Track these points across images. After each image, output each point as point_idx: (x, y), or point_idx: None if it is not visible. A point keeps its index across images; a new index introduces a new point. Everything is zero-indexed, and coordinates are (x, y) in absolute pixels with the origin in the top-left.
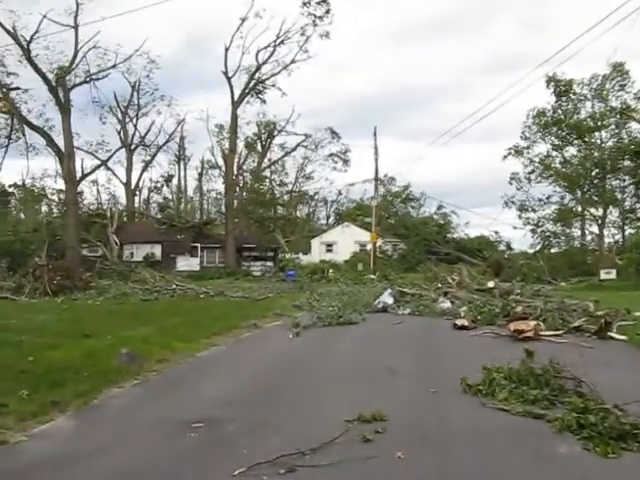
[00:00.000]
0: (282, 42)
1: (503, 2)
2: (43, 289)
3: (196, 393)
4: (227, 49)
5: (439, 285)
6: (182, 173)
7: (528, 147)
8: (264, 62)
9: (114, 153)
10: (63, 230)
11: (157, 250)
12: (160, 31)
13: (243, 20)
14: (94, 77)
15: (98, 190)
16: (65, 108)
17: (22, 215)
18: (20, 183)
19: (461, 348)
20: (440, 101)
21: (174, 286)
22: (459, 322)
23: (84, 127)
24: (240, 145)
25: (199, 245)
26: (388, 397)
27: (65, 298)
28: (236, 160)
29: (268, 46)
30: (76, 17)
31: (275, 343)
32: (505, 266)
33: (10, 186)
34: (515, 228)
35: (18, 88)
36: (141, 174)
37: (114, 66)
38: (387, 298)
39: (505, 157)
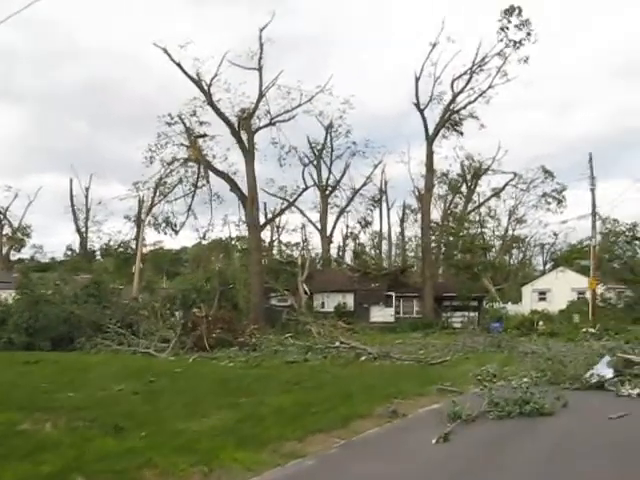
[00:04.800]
0: (480, 68)
1: None
2: (195, 343)
3: None
4: (418, 79)
5: None
6: (382, 219)
7: None
8: (460, 91)
9: (300, 194)
10: (242, 279)
11: (349, 299)
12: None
13: (434, 45)
14: (279, 119)
15: (305, 237)
16: (249, 152)
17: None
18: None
19: None
20: None
21: (337, 343)
22: None
23: (273, 171)
24: (444, 188)
25: (394, 294)
26: None
27: (197, 357)
28: (440, 204)
29: (464, 74)
30: (260, 59)
31: (400, 457)
32: None
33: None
34: None
35: (205, 135)
36: (336, 220)
37: (299, 106)
38: (604, 369)
39: None
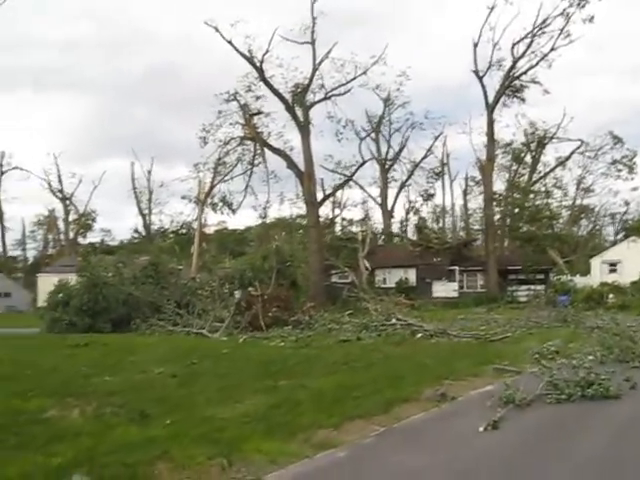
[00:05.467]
0: (542, 30)
1: None
2: (250, 322)
3: None
4: (476, 45)
5: None
6: (445, 191)
7: None
8: (521, 56)
9: (358, 168)
10: (301, 256)
11: (411, 275)
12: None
13: (492, 9)
14: (335, 93)
15: (367, 212)
16: (304, 127)
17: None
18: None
19: None
20: None
21: (394, 320)
22: None
23: (330, 147)
24: (508, 158)
25: (457, 268)
26: None
27: (249, 337)
28: (504, 175)
29: (525, 37)
30: (313, 32)
31: (443, 447)
32: None
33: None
34: None
35: (260, 112)
36: (397, 194)
37: (354, 79)
38: None
39: None
